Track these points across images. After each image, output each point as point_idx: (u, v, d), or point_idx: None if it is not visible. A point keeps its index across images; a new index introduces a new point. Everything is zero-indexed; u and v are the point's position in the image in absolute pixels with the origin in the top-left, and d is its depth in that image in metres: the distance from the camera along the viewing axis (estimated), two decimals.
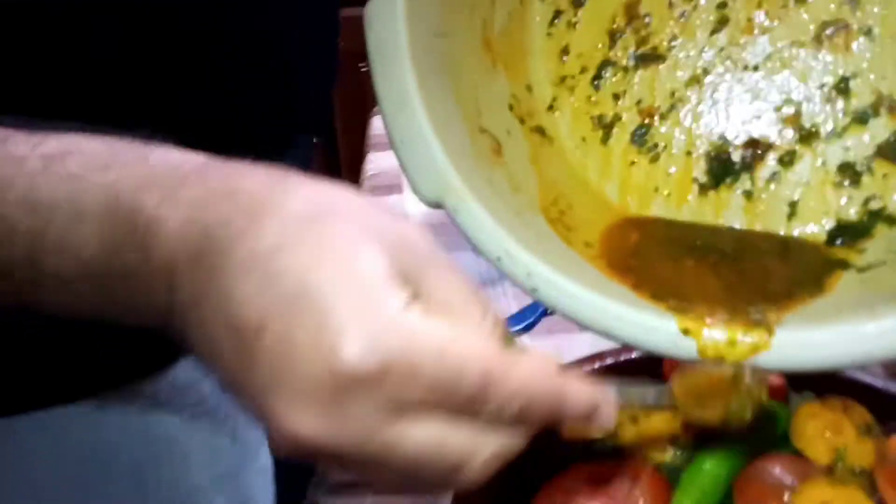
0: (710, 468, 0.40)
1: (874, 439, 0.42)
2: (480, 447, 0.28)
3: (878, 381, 0.51)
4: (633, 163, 0.50)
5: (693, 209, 0.49)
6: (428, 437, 0.27)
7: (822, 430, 0.42)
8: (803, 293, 0.42)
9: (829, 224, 0.45)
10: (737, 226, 0.48)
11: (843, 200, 0.46)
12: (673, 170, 0.49)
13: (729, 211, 0.48)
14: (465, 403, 0.27)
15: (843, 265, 0.42)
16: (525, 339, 0.69)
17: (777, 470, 0.40)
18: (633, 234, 0.48)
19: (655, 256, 0.46)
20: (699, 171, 0.48)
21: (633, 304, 0.40)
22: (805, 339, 0.38)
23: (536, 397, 0.28)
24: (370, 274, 0.26)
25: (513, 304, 0.71)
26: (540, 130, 0.49)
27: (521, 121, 0.48)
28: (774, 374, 0.42)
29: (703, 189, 0.48)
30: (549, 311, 0.71)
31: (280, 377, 0.26)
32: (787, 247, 0.46)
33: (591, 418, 0.30)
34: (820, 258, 0.44)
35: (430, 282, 0.28)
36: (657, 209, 0.49)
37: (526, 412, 0.28)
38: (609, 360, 0.53)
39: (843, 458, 0.40)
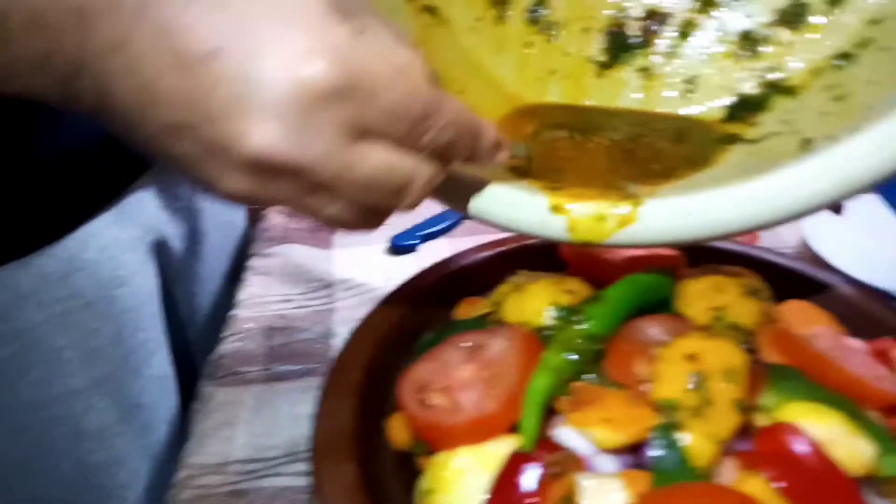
0: (586, 328, 0.39)
1: (762, 302, 0.41)
2: (419, 173, 0.31)
3: (783, 259, 0.50)
4: (528, 44, 0.48)
5: (591, 91, 0.47)
6: (380, 160, 0.29)
7: (704, 290, 0.41)
8: (686, 168, 0.40)
9: (728, 100, 0.44)
10: (634, 107, 0.46)
11: (742, 73, 0.44)
12: (570, 49, 0.47)
13: (627, 91, 0.46)
14: (410, 130, 0.29)
15: (735, 139, 0.41)
16: (445, 242, 0.69)
17: (652, 329, 0.39)
18: (529, 122, 0.47)
19: (548, 143, 0.45)
20: (596, 49, 0.47)
21: (509, 185, 0.39)
22: (674, 209, 0.37)
23: (462, 127, 0.32)
24: (316, 5, 0.27)
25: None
26: (430, 10, 0.46)
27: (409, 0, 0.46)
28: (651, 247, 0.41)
29: (601, 69, 0.47)
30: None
31: (244, 96, 0.26)
32: (681, 127, 0.45)
33: (497, 148, 0.35)
34: (713, 136, 0.43)
35: (369, 22, 0.29)
36: (555, 94, 0.48)
37: (454, 141, 0.32)
38: (509, 246, 0.52)
39: (722, 317, 0.39)
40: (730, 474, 0.33)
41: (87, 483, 0.52)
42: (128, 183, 0.54)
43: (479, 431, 0.37)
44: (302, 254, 0.67)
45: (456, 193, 0.40)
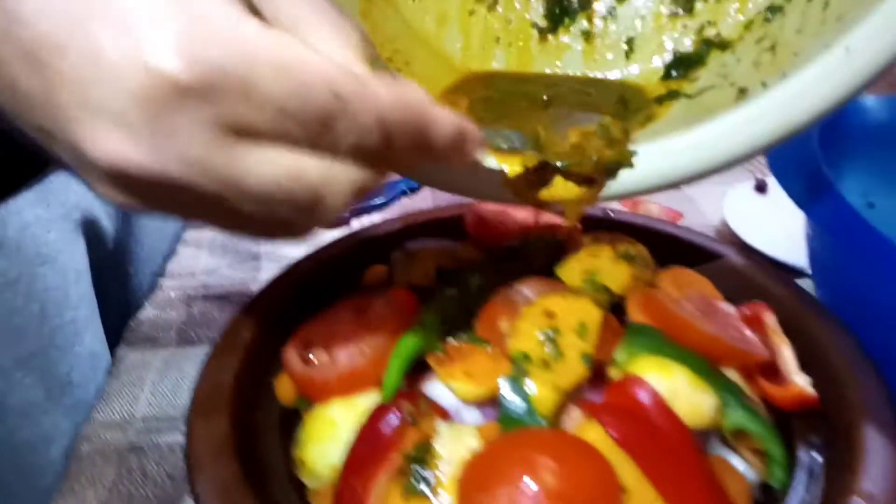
0: (455, 292, 0.40)
1: (635, 267, 0.42)
2: (339, 177, 0.25)
3: (674, 229, 0.51)
4: (471, 12, 0.49)
5: (536, 58, 0.48)
6: (278, 167, 0.24)
7: (581, 255, 0.42)
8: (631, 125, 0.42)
9: (666, 58, 0.45)
10: (577, 72, 0.48)
11: (679, 31, 0.46)
12: (512, 16, 0.48)
13: (570, 55, 0.48)
14: (317, 129, 0.24)
15: (675, 95, 0.43)
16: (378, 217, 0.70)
17: (525, 289, 0.40)
18: (476, 88, 0.47)
19: (492, 110, 0.46)
20: (537, 14, 0.48)
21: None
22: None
23: (399, 123, 0.25)
24: None
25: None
26: None
27: None
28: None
29: (543, 34, 0.48)
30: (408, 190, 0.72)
31: (86, 97, 0.22)
32: (621, 91, 0.46)
33: (456, 149, 0.28)
34: (650, 97, 0.44)
35: (259, 4, 0.25)
36: (499, 62, 0.49)
37: (389, 140, 0.26)
38: (419, 218, 0.54)
39: (593, 279, 0.40)
40: (574, 422, 0.35)
41: (14, 461, 0.52)
42: (50, 163, 0.55)
43: (350, 384, 0.39)
44: None
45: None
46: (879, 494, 0.32)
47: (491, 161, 0.39)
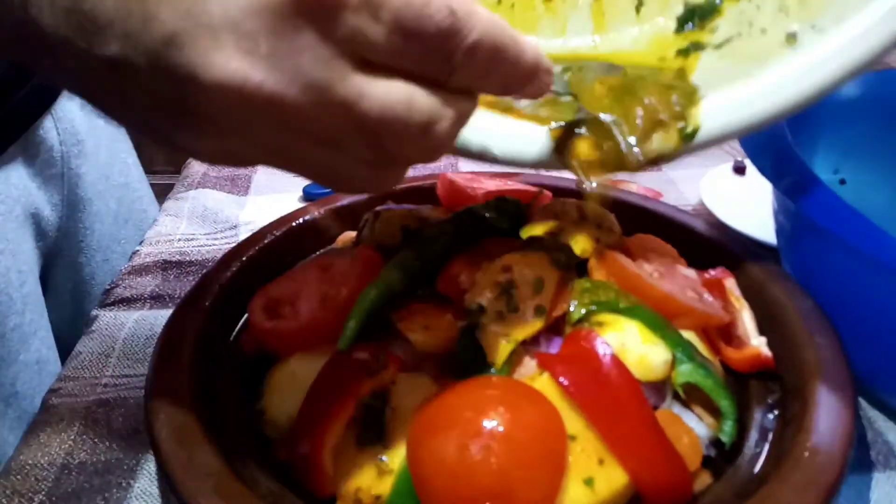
0: (421, 249, 0.41)
1: (601, 231, 0.43)
2: (446, 109, 0.24)
3: (642, 201, 0.52)
4: None
5: (543, 19, 0.47)
6: (393, 93, 0.23)
7: (546, 216, 0.43)
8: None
9: (677, 9, 0.44)
10: (589, 30, 0.46)
11: None
12: None
13: (579, 14, 0.47)
14: (430, 51, 0.23)
15: (699, 46, 0.42)
16: None
17: (488, 248, 0.41)
18: None
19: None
20: None
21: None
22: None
23: (497, 47, 0.24)
24: None
25: None
26: None
27: None
28: None
29: None
30: None
31: (200, 7, 0.20)
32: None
33: (535, 75, 0.27)
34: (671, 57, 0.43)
35: None
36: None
37: (488, 66, 0.24)
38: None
39: (554, 240, 0.41)
40: (527, 372, 0.35)
41: None
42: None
43: (312, 338, 0.39)
44: (215, 197, 0.69)
45: None
46: (826, 448, 0.33)
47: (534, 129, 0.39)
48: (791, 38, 0.39)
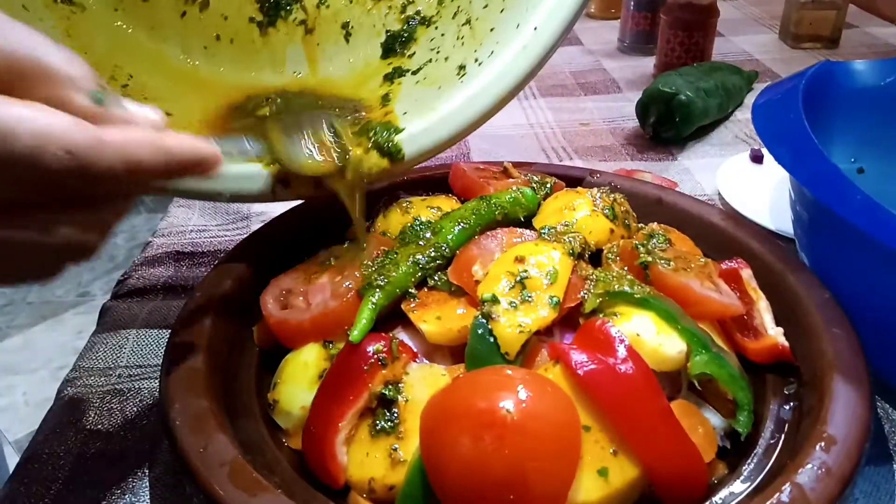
0: (430, 237, 0.41)
1: (616, 221, 0.42)
2: (90, 222, 0.28)
3: (654, 188, 0.51)
4: (183, 13, 0.48)
5: (261, 52, 0.50)
6: (26, 234, 0.26)
7: (559, 208, 0.42)
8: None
9: (382, 38, 0.50)
10: (304, 62, 0.50)
11: (385, 12, 0.50)
12: (227, 12, 0.49)
13: (294, 47, 0.50)
14: (57, 188, 0.25)
15: (401, 72, 0.48)
16: None
17: (500, 238, 0.40)
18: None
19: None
20: (252, 9, 0.49)
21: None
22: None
23: (142, 160, 0.27)
24: None
25: None
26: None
27: None
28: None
29: (264, 28, 0.50)
30: None
31: None
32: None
33: (201, 166, 0.29)
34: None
35: None
36: (226, 57, 0.49)
37: (134, 175, 0.27)
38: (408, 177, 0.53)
39: (568, 230, 0.40)
40: (541, 362, 0.35)
41: None
42: None
43: (324, 329, 0.39)
44: None
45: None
46: (842, 439, 0.32)
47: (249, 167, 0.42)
48: (461, 69, 0.45)
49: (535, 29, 0.43)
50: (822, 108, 0.50)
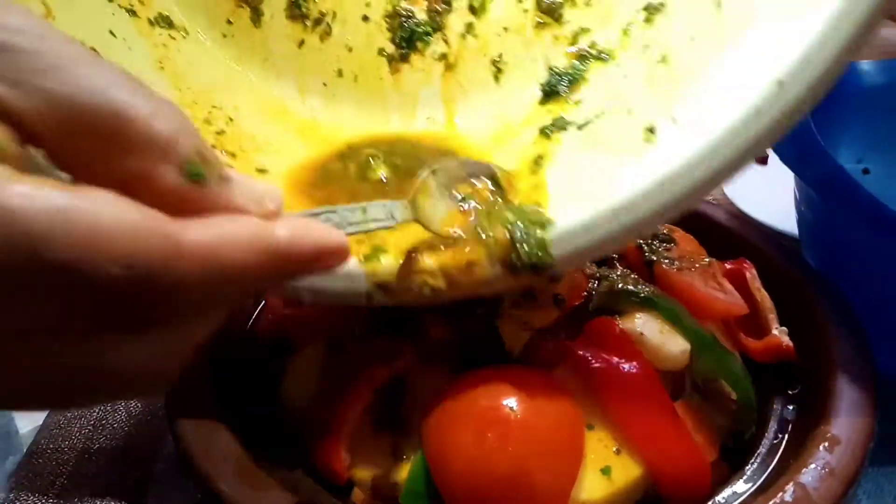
0: None
1: None
2: (175, 345, 0.20)
3: None
4: (301, 42, 0.39)
5: (390, 91, 0.39)
6: (89, 365, 0.18)
7: None
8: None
9: (541, 77, 0.37)
10: (440, 106, 0.39)
11: (549, 43, 0.37)
12: (353, 43, 0.39)
13: (430, 87, 0.39)
14: (115, 307, 0.17)
15: (562, 125, 0.34)
16: None
17: None
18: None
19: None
20: (383, 39, 0.39)
21: None
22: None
23: (239, 268, 0.19)
24: None
25: None
26: (165, 21, 0.37)
27: (132, 11, 0.36)
28: None
29: (395, 62, 0.39)
30: None
31: None
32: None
33: (323, 261, 0.21)
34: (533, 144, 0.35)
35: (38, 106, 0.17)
36: (348, 98, 0.39)
37: (229, 285, 0.19)
38: None
39: None
40: (545, 360, 0.35)
41: None
42: None
43: (329, 325, 0.39)
44: None
45: None
46: (846, 439, 0.32)
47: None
48: (650, 131, 0.31)
49: (780, 83, 0.27)
50: (827, 108, 0.50)
